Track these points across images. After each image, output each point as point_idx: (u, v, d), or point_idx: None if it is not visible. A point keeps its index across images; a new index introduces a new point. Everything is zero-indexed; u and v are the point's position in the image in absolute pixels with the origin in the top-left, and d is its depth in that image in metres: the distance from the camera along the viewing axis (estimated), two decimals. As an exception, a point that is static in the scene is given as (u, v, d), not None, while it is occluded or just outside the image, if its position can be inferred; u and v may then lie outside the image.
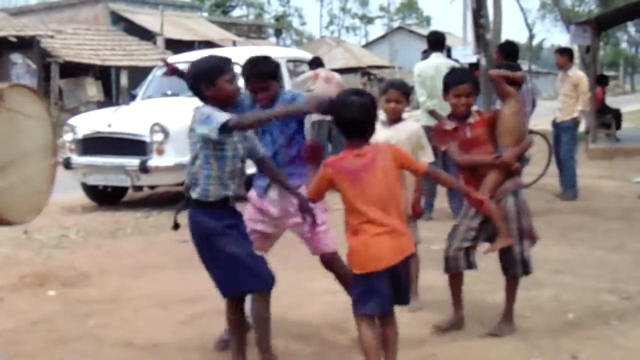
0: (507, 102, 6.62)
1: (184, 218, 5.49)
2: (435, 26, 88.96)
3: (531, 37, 76.07)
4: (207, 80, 5.32)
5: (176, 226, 5.61)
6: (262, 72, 6.03)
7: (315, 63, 15.56)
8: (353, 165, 5.08)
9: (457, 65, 11.42)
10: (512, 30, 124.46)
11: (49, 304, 7.63)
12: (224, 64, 5.40)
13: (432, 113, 11.32)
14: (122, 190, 14.19)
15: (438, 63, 11.84)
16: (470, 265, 6.64)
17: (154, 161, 12.67)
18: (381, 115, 7.40)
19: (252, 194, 6.22)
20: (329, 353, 6.20)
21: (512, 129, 6.56)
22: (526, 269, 6.59)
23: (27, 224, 4.89)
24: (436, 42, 12.47)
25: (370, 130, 5.21)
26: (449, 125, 6.59)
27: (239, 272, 5.36)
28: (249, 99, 6.12)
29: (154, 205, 13.33)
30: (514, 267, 6.56)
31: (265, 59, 6.15)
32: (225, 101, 5.35)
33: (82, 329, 6.91)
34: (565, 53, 14.29)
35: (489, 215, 6.31)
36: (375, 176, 5.05)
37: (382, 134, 6.91)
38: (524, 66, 64.20)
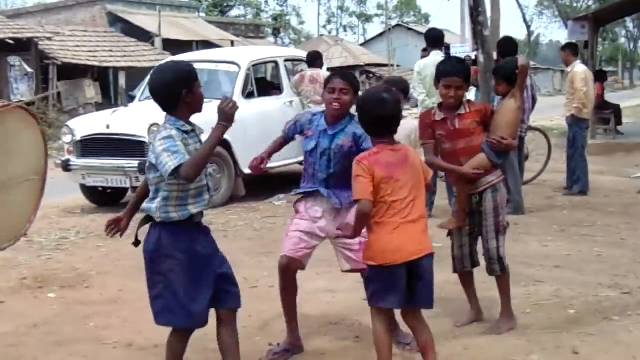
0: (514, 95, 6.69)
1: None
2: (433, 23, 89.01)
3: (529, 33, 76.10)
4: (188, 86, 5.02)
5: (137, 242, 5.42)
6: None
7: (313, 59, 15.44)
8: (390, 159, 5.14)
9: None
10: (511, 27, 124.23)
11: (49, 306, 7.63)
12: (193, 70, 5.15)
13: (431, 111, 11.34)
14: (122, 191, 14.18)
15: (438, 61, 11.82)
16: (475, 263, 6.74)
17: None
18: None
19: (299, 202, 6.23)
20: (328, 351, 6.21)
21: (511, 123, 6.62)
22: (503, 266, 6.55)
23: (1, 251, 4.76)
24: (435, 40, 12.51)
25: (397, 128, 5.29)
26: (438, 116, 6.58)
27: (165, 300, 5.17)
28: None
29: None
30: (490, 264, 6.58)
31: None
32: (198, 108, 5.13)
33: (83, 331, 6.92)
34: (567, 48, 14.32)
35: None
36: (407, 173, 5.13)
37: None
38: (523, 62, 64.31)
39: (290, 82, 15.30)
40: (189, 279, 5.09)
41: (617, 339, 6.29)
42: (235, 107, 4.91)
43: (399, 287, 5.10)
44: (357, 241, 5.73)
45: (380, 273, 5.12)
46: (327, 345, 6.33)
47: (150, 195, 5.14)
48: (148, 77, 15.65)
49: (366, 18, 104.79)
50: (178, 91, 4.98)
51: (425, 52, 14.12)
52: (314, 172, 6.12)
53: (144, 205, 5.24)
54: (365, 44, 73.72)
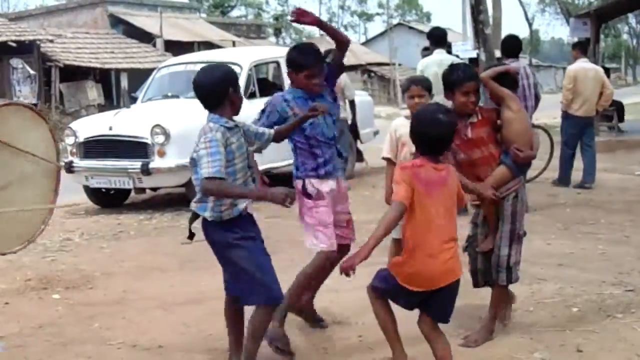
0: (506, 105, 6.33)
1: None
2: (435, 22, 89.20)
3: (531, 31, 76.03)
4: (234, 85, 5.28)
5: (191, 235, 5.49)
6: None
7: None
8: (431, 176, 5.07)
9: (459, 61, 11.42)
10: (512, 25, 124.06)
11: (53, 307, 7.63)
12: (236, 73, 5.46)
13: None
14: (125, 192, 14.20)
15: (441, 59, 11.86)
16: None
17: (156, 163, 12.66)
18: (406, 111, 7.53)
19: (319, 185, 6.26)
20: (333, 349, 6.22)
21: (519, 133, 6.31)
22: (510, 276, 6.32)
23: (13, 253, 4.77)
24: (439, 39, 12.48)
25: (447, 149, 5.31)
26: None
27: (248, 286, 5.34)
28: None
29: (157, 207, 13.32)
30: (497, 272, 6.32)
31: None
32: (238, 109, 5.32)
33: (87, 332, 6.92)
34: (576, 47, 14.57)
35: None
36: (445, 193, 5.08)
37: (408, 129, 6.96)
38: (525, 60, 64.12)
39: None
40: (260, 261, 5.35)
41: (620, 337, 6.29)
42: (290, 204, 5.19)
43: (412, 302, 5.19)
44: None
45: (400, 288, 5.13)
46: (330, 344, 6.33)
47: (198, 196, 5.30)
48: (150, 78, 15.80)
49: (367, 17, 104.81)
50: (225, 89, 5.21)
51: (426, 52, 14.14)
52: (325, 140, 6.24)
53: (194, 207, 5.37)
54: (367, 43, 73.72)
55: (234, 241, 5.28)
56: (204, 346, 6.22)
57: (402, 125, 7.15)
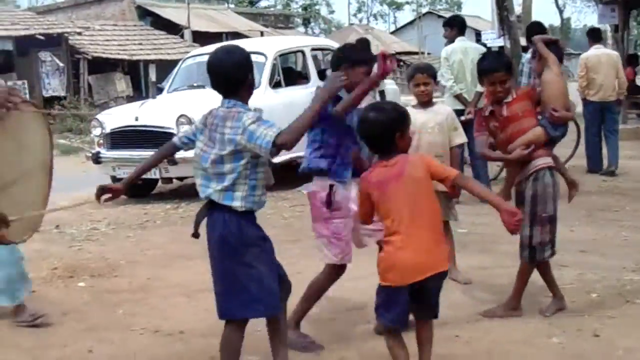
0: (548, 67, 6.74)
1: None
2: (465, 10, 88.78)
3: (562, 19, 75.70)
4: (251, 71, 5.04)
5: (196, 235, 5.19)
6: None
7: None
8: (381, 176, 4.94)
9: (483, 49, 11.49)
10: (543, 12, 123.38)
11: (79, 294, 7.75)
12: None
13: (458, 97, 11.40)
14: (152, 182, 14.31)
15: (465, 47, 11.96)
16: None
17: (182, 153, 12.66)
18: (413, 100, 7.60)
19: (339, 195, 5.99)
20: (350, 336, 6.30)
21: (557, 95, 6.65)
22: (532, 255, 6.49)
23: (23, 243, 4.85)
24: (460, 26, 12.50)
25: (394, 142, 4.97)
26: (487, 111, 6.62)
27: (251, 292, 4.97)
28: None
29: (183, 197, 13.43)
30: (522, 250, 6.52)
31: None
32: (250, 97, 5.07)
33: (111, 318, 7.06)
34: (587, 34, 14.71)
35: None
36: (403, 187, 4.88)
37: (419, 117, 7.12)
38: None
39: (328, 71, 15.35)
40: (270, 266, 5.07)
41: (638, 322, 6.34)
42: (343, 80, 5.07)
43: (397, 306, 4.94)
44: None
45: (382, 291, 4.99)
46: (349, 330, 6.40)
47: (222, 186, 4.95)
48: (175, 69, 15.91)
49: (397, 6, 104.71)
50: (245, 74, 4.96)
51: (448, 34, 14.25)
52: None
53: (217, 196, 5.00)
54: (396, 32, 73.71)
55: (256, 239, 5.02)
56: (206, 354, 6.26)
57: (410, 114, 7.20)
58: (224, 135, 4.90)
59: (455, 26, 12.45)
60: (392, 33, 71.33)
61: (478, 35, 43.92)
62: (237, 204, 4.90)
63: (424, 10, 77.40)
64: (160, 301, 7.48)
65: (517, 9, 35.94)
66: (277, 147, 4.67)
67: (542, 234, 6.49)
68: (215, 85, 5.02)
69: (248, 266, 4.94)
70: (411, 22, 72.57)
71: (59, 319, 7.05)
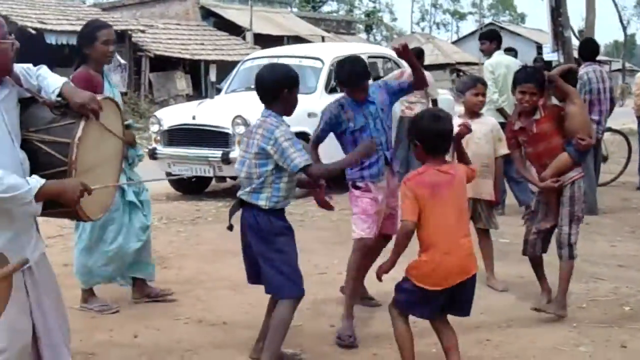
0: (570, 100, 6.97)
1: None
2: (529, 23, 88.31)
3: (626, 35, 75.07)
4: (289, 87, 5.56)
5: (230, 227, 5.74)
6: (359, 73, 6.56)
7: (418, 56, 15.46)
8: (435, 179, 5.19)
9: (521, 63, 11.79)
10: (607, 28, 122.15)
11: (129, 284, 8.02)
12: (297, 76, 5.73)
13: (500, 111, 11.59)
14: (206, 180, 14.59)
15: (508, 61, 12.17)
16: (545, 249, 7.19)
17: (236, 152, 12.96)
18: (460, 109, 7.87)
19: (365, 184, 6.61)
20: (384, 334, 6.41)
21: (582, 125, 6.93)
22: (571, 253, 6.90)
23: (97, 220, 5.29)
24: (498, 40, 12.72)
25: (448, 149, 5.52)
26: (517, 126, 7.03)
27: (289, 276, 5.57)
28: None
29: (234, 196, 13.62)
30: (562, 249, 6.91)
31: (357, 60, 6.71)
32: (289, 111, 5.64)
33: (157, 307, 7.34)
34: None
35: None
36: (453, 193, 5.20)
37: None
38: (617, 64, 63.24)
39: (387, 76, 15.48)
40: (295, 253, 5.68)
41: (668, 336, 6.44)
42: (374, 150, 5.92)
43: (433, 306, 5.26)
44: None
45: (417, 291, 5.21)
46: (384, 328, 6.57)
47: (252, 186, 5.56)
48: (234, 70, 16.21)
49: (460, 16, 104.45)
50: (280, 89, 5.52)
51: (509, 52, 14.47)
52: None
53: (246, 196, 5.61)
54: (458, 42, 73.54)
55: (284, 230, 5.61)
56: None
57: (457, 124, 7.48)
58: (254, 141, 5.51)
59: (495, 40, 12.63)
60: (453, 43, 71.23)
61: (539, 49, 43.82)
62: (262, 203, 5.54)
63: (487, 21, 77.10)
64: (206, 293, 7.75)
65: (581, 23, 35.66)
66: (306, 174, 5.48)
67: (576, 233, 6.95)
68: (258, 96, 5.65)
69: (280, 252, 5.56)
70: (473, 33, 72.33)
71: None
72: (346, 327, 6.43)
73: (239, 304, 7.31)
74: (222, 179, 14.32)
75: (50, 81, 4.46)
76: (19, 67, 4.47)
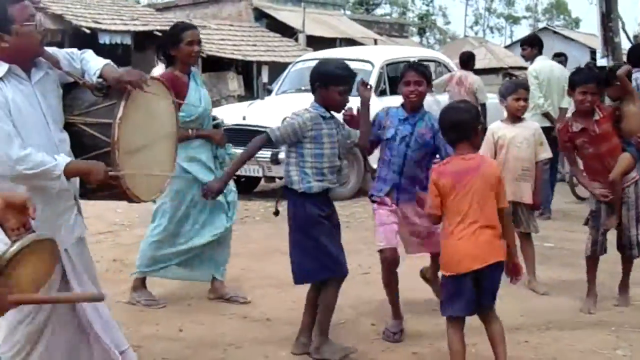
0: (630, 100, 7.23)
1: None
2: (584, 28, 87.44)
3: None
4: (322, 82, 5.92)
5: (277, 212, 6.27)
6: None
7: (464, 60, 15.53)
8: (458, 167, 5.35)
9: (563, 67, 11.95)
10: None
11: (175, 280, 8.15)
12: (335, 73, 5.95)
13: (546, 115, 11.65)
14: (255, 180, 14.74)
15: (552, 65, 12.27)
16: (605, 250, 7.32)
17: (285, 153, 13.10)
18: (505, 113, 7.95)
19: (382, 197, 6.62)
20: (428, 333, 6.60)
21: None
22: (638, 251, 7.21)
23: (151, 202, 5.42)
24: (540, 45, 12.76)
25: (475, 138, 5.52)
26: (576, 127, 7.10)
27: (321, 260, 5.92)
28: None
29: (283, 195, 13.74)
30: (630, 249, 7.19)
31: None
32: (332, 107, 5.96)
33: (203, 303, 7.54)
34: None
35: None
36: (476, 181, 5.27)
37: (508, 132, 7.58)
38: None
39: (437, 80, 15.58)
40: (332, 239, 6.00)
41: None
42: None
43: (464, 296, 5.29)
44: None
45: (448, 282, 5.39)
46: (423, 328, 6.71)
47: (284, 171, 6.11)
48: (285, 71, 16.35)
49: (514, 20, 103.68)
50: (312, 82, 6.03)
51: (559, 58, 14.47)
52: (390, 160, 6.50)
53: (285, 182, 6.15)
54: (511, 46, 73.05)
55: (318, 216, 5.91)
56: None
57: (499, 128, 7.66)
58: None
59: (536, 45, 12.68)
60: (506, 47, 70.76)
61: (593, 54, 43.49)
62: (296, 187, 5.93)
63: (541, 25, 76.64)
64: (251, 291, 7.90)
65: (637, 28, 35.37)
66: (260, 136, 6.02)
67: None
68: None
69: (314, 239, 5.88)
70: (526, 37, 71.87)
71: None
72: (393, 325, 6.57)
73: (283, 301, 7.46)
74: (270, 179, 14.47)
75: (92, 64, 4.62)
76: (62, 52, 4.63)
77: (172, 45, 7.18)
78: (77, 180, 4.56)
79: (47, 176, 4.22)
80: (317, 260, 5.91)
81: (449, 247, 5.34)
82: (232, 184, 7.60)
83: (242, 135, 13.87)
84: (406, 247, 6.77)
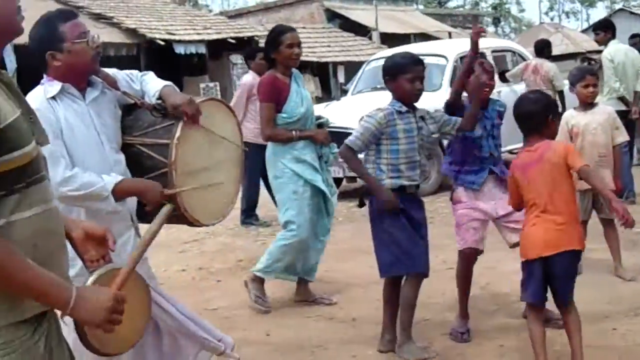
0: None
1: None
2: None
3: None
4: (390, 75, 5.93)
5: (361, 204, 6.24)
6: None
7: (539, 48, 15.37)
8: (524, 160, 5.42)
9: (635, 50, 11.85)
10: None
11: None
12: (406, 62, 5.93)
13: (622, 99, 11.53)
14: (336, 181, 14.71)
15: (626, 49, 12.12)
16: None
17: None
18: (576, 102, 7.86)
19: (461, 193, 6.48)
20: (510, 325, 6.57)
21: None
22: None
23: (211, 226, 5.37)
24: (613, 29, 12.61)
25: (546, 130, 5.44)
26: None
27: (395, 254, 5.93)
28: None
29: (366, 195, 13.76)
30: None
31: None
32: (404, 98, 5.88)
33: (289, 306, 7.60)
34: None
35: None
36: (541, 171, 5.27)
37: (581, 119, 7.50)
38: None
39: (512, 70, 15.47)
40: (408, 234, 5.94)
41: None
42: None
43: (533, 282, 5.33)
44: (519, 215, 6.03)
45: (522, 268, 5.46)
46: (510, 320, 6.68)
47: (367, 167, 6.05)
48: (360, 71, 16.35)
49: (589, 3, 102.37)
50: (383, 75, 6.07)
51: (634, 39, 14.26)
52: (479, 155, 6.41)
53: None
54: (587, 30, 72.07)
55: (392, 210, 5.87)
56: (393, 320, 6.67)
57: (572, 116, 7.58)
58: None
59: (609, 29, 12.52)
60: (583, 31, 69.82)
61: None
62: None
63: (617, 7, 75.44)
64: (336, 291, 7.93)
65: None
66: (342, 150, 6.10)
67: None
68: None
69: (386, 232, 5.91)
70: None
71: (241, 306, 7.61)
72: (460, 325, 6.52)
73: (368, 301, 7.43)
74: (352, 179, 14.45)
75: (151, 85, 4.61)
76: (121, 73, 4.64)
77: (272, 48, 7.28)
78: (134, 201, 4.53)
79: (93, 197, 4.22)
80: (392, 254, 5.94)
81: (524, 234, 5.44)
82: (334, 185, 7.70)
83: (320, 137, 13.95)
84: (509, 237, 6.50)
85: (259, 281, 7.51)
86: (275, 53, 7.22)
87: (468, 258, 6.47)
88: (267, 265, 7.43)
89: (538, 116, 5.38)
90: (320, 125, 7.54)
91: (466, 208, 6.41)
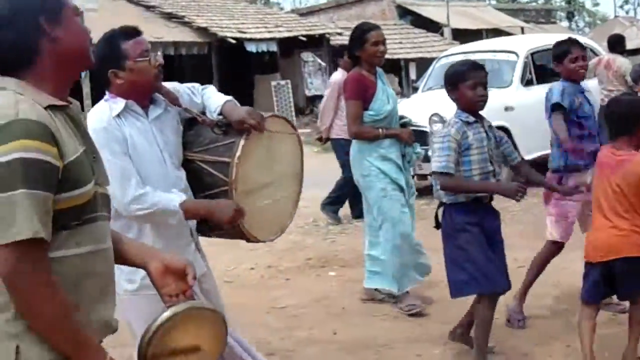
0: None
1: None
2: None
3: None
4: (451, 83, 5.79)
5: (438, 225, 5.86)
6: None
7: (612, 43, 15.17)
8: (603, 158, 5.37)
9: None
10: None
11: (329, 283, 8.30)
12: (464, 69, 5.77)
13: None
14: (406, 179, 14.68)
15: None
16: None
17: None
18: None
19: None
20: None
21: None
22: None
23: (270, 242, 5.33)
24: None
25: (635, 132, 5.31)
26: None
27: (469, 271, 5.63)
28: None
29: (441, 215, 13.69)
30: None
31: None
32: (467, 108, 5.71)
33: (355, 304, 7.60)
34: None
35: None
36: (613, 177, 5.22)
37: None
38: None
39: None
40: (483, 250, 5.67)
41: None
42: (520, 197, 5.62)
43: (589, 283, 5.38)
44: None
45: (584, 266, 5.46)
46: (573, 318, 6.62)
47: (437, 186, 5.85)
48: (430, 68, 16.29)
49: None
50: (447, 91, 5.87)
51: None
52: (589, 134, 6.55)
53: (436, 195, 6.00)
54: (664, 22, 71.02)
55: (464, 225, 5.63)
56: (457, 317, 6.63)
57: None
58: None
59: None
60: (659, 24, 68.76)
61: None
62: (444, 199, 5.74)
63: (696, -1, 74.20)
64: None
65: None
66: (439, 184, 5.69)
67: None
68: None
69: (461, 249, 5.63)
70: (681, 12, 69.78)
71: (309, 304, 7.68)
72: (518, 311, 6.66)
73: (436, 300, 7.45)
74: (423, 177, 14.41)
75: (213, 100, 4.59)
76: (183, 86, 4.64)
77: (357, 46, 7.29)
78: None
79: (162, 215, 4.23)
80: (465, 271, 5.64)
81: (589, 234, 5.49)
82: (414, 186, 7.71)
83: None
84: (586, 227, 6.45)
85: (403, 296, 7.39)
86: (360, 51, 7.24)
87: (559, 249, 6.64)
88: (393, 277, 7.32)
89: (631, 119, 5.31)
90: (403, 125, 7.53)
91: (573, 201, 6.49)
